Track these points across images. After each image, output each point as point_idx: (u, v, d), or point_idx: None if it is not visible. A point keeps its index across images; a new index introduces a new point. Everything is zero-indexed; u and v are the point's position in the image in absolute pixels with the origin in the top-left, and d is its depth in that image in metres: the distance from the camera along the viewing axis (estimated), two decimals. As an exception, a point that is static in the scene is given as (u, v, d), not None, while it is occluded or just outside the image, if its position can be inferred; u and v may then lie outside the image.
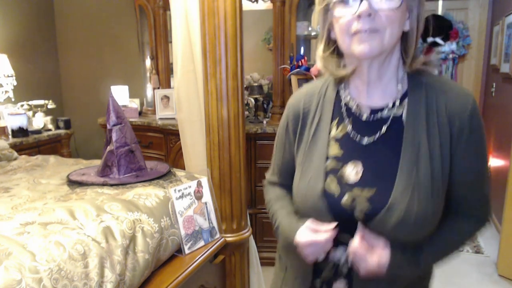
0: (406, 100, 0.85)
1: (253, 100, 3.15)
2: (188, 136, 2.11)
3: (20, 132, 3.11)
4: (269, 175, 1.11)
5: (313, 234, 0.85)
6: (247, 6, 3.45)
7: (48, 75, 4.12)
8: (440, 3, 4.25)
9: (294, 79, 2.81)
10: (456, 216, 0.89)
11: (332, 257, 0.90)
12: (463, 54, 4.21)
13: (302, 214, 0.92)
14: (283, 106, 2.94)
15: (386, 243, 0.81)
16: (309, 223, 0.88)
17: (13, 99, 3.48)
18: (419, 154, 0.80)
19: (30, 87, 3.80)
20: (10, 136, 3.08)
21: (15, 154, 2.42)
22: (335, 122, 0.90)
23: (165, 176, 1.76)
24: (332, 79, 0.93)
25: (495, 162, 3.51)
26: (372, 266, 0.81)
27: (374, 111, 0.87)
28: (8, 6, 3.62)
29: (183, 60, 2.01)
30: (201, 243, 1.62)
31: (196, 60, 1.90)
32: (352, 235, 0.83)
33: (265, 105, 3.27)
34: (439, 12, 4.25)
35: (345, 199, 0.84)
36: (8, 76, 3.32)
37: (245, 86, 1.80)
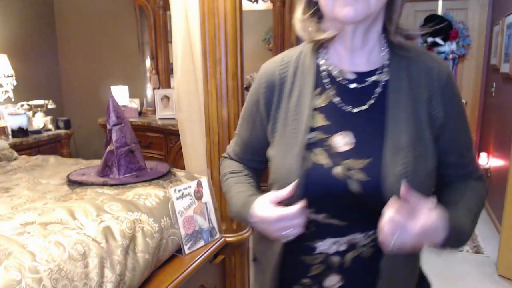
0: (388, 69, 0.82)
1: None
2: (188, 136, 2.11)
3: (20, 132, 3.11)
4: (230, 149, 1.04)
5: (277, 207, 0.78)
6: (247, 6, 3.45)
7: (48, 75, 4.12)
8: (440, 3, 4.25)
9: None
10: (458, 180, 0.87)
11: (320, 249, 0.82)
12: (463, 54, 4.21)
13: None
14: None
15: (433, 203, 0.72)
16: (268, 194, 0.81)
17: (13, 99, 3.48)
18: (406, 117, 0.78)
19: (30, 87, 3.80)
20: (10, 136, 3.08)
21: (15, 154, 2.42)
22: (317, 91, 0.84)
23: (165, 176, 1.76)
24: (309, 47, 0.88)
25: (495, 162, 3.51)
26: (415, 234, 0.69)
27: (359, 79, 0.83)
28: (8, 6, 3.62)
29: (183, 60, 2.01)
30: (201, 243, 1.62)
31: (196, 60, 1.90)
32: (342, 219, 0.79)
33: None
34: (439, 12, 4.25)
35: (337, 170, 0.78)
36: (8, 76, 3.32)
37: (245, 86, 1.80)
